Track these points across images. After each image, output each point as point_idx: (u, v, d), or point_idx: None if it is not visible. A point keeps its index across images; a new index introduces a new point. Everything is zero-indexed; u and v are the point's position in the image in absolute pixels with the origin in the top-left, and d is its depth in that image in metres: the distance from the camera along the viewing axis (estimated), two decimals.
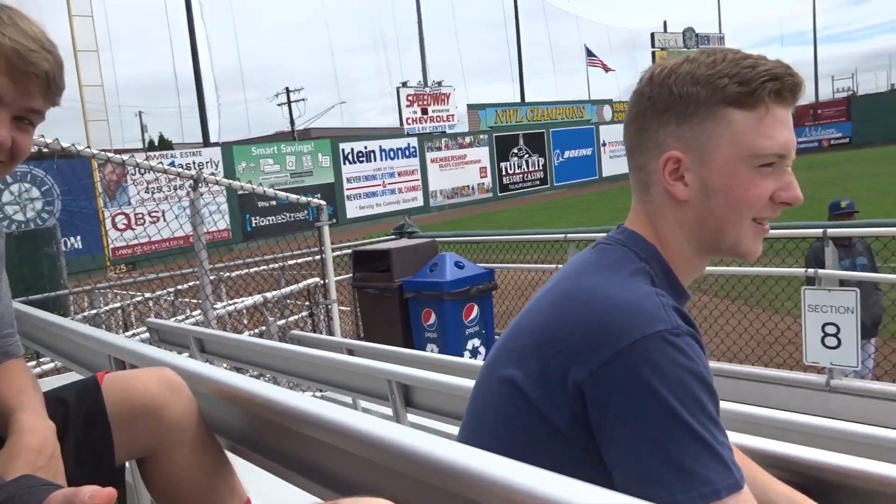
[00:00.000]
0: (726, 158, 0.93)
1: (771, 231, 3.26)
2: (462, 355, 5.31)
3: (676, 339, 0.85)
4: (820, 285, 3.76)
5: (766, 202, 0.95)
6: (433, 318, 5.57)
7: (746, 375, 4.18)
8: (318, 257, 5.32)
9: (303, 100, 45.41)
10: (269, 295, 5.15)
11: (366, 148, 30.86)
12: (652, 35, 43.65)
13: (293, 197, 5.10)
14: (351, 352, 3.71)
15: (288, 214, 24.78)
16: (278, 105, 46.11)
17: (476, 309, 5.56)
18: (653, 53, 40.80)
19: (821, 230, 3.87)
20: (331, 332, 5.35)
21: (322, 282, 5.30)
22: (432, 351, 5.59)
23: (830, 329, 3.71)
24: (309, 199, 5.18)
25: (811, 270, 3.83)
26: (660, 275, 0.97)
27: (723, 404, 2.11)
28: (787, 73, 0.93)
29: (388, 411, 2.40)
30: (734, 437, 1.63)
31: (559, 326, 0.91)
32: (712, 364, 4.35)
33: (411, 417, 2.44)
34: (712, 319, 4.96)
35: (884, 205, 16.13)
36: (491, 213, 30.00)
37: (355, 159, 30.31)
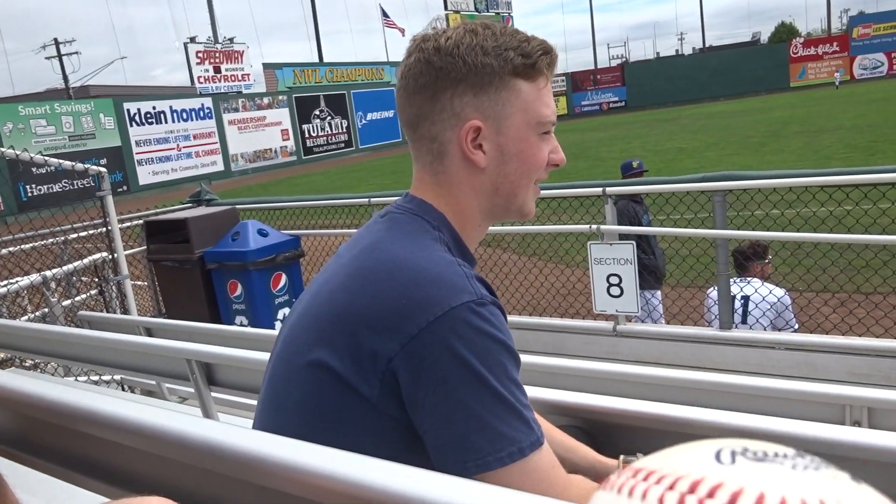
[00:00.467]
0: (519, 126, 1.00)
1: (559, 191, 3.46)
2: (273, 326, 5.16)
3: (482, 310, 0.88)
4: (603, 240, 4.11)
5: (545, 165, 1.04)
6: (239, 289, 5.34)
7: (546, 327, 4.49)
8: (104, 229, 4.85)
9: (76, 53, 40.88)
10: (49, 273, 4.62)
11: (154, 108, 28.57)
12: None
13: (66, 164, 4.56)
14: (149, 331, 3.45)
15: (70, 182, 22.36)
16: (46, 59, 41.13)
17: (284, 278, 5.42)
18: (446, 16, 41.62)
19: (600, 188, 4.19)
20: (126, 311, 4.94)
21: (111, 256, 4.85)
22: (241, 324, 5.38)
23: (614, 280, 4.08)
24: (87, 165, 4.67)
25: (595, 226, 4.16)
26: (452, 243, 1.00)
27: (524, 357, 2.25)
28: (552, 48, 1.02)
29: (193, 391, 2.27)
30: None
31: (365, 301, 0.90)
32: (516, 318, 4.64)
33: (216, 395, 2.32)
34: (512, 276, 5.25)
35: (656, 162, 18.00)
36: (296, 177, 29.28)
37: (143, 121, 27.98)
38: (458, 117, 0.99)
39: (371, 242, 0.97)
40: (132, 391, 4.04)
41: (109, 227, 4.72)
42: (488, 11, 46.20)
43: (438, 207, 1.02)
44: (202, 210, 5.88)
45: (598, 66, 61.62)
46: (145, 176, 27.90)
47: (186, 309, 5.48)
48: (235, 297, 5.35)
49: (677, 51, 68.43)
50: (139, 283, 6.55)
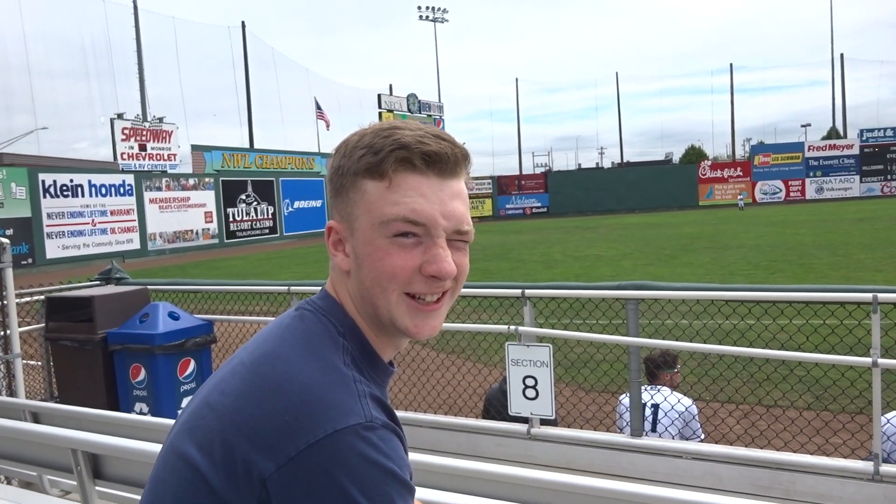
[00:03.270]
0: (365, 228, 0.93)
1: (479, 290, 3.49)
2: (175, 415, 4.88)
3: (369, 434, 0.82)
4: (520, 341, 4.14)
5: (410, 275, 0.92)
6: (143, 374, 5.06)
7: (461, 427, 4.43)
8: None
9: None
10: None
11: (72, 181, 27.72)
12: (379, 96, 45.96)
13: None
14: (36, 416, 3.20)
15: None
16: None
17: (193, 364, 5.18)
18: (380, 114, 42.86)
19: (519, 290, 4.27)
20: (12, 393, 4.58)
21: (2, 332, 4.54)
22: (141, 411, 5.06)
23: (530, 381, 4.10)
24: None
25: (513, 328, 4.21)
26: (358, 352, 0.94)
27: (435, 458, 2.20)
28: (418, 141, 0.91)
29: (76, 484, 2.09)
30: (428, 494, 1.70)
31: (249, 412, 0.85)
32: (431, 417, 4.56)
33: (103, 489, 2.15)
34: (430, 373, 5.20)
35: (575, 267, 18.57)
36: (217, 259, 28.63)
37: (59, 193, 27.04)
38: (329, 218, 1.00)
39: (272, 349, 0.92)
40: (9, 482, 3.69)
41: (5, 302, 4.44)
42: (420, 113, 47.90)
43: (348, 309, 0.98)
44: (110, 289, 5.63)
45: (523, 173, 64.20)
46: (54, 250, 26.68)
47: (82, 393, 5.13)
48: (137, 382, 5.06)
49: (597, 163, 72.22)
50: (33, 362, 6.14)
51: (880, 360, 3.32)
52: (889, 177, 52.59)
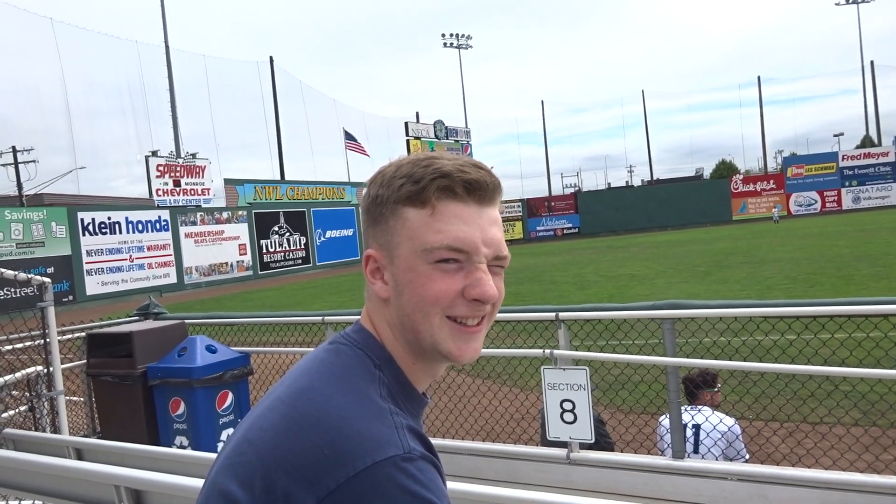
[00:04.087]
0: (407, 255, 0.95)
1: (513, 314, 3.48)
2: (216, 448, 4.92)
3: (408, 466, 0.83)
4: (556, 364, 4.11)
5: (453, 299, 0.94)
6: (182, 407, 5.12)
7: (498, 453, 4.38)
8: (42, 341, 4.66)
9: (33, 161, 40.81)
10: None
11: (109, 219, 28.38)
12: (406, 124, 46.40)
13: (8, 273, 4.42)
14: (80, 452, 3.26)
15: (11, 290, 21.68)
16: (2, 166, 40.93)
17: (231, 396, 5.22)
18: (407, 141, 43.25)
19: (553, 313, 4.24)
20: (56, 430, 4.66)
21: (46, 370, 4.64)
22: (181, 445, 5.11)
23: (567, 405, 4.05)
24: (30, 275, 4.55)
25: (548, 351, 4.17)
26: (394, 384, 0.95)
27: (474, 487, 2.18)
28: (459, 169, 0.94)
29: None
30: None
31: (288, 446, 0.86)
32: (468, 444, 4.53)
33: None
34: (466, 399, 5.17)
35: (609, 288, 18.40)
36: (251, 291, 28.96)
37: (97, 230, 27.69)
38: (366, 246, 1.01)
39: (309, 384, 0.94)
40: None
41: (48, 340, 4.54)
42: (447, 139, 48.20)
43: (384, 341, 0.99)
44: (149, 324, 5.72)
45: (553, 194, 64.09)
46: (93, 286, 27.26)
47: (123, 428, 5.21)
48: (177, 415, 5.12)
49: (627, 182, 71.81)
50: (75, 398, 6.25)
51: None
52: None
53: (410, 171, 0.95)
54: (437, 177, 0.93)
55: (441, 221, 0.93)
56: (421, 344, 0.96)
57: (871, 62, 60.13)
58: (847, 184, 52.58)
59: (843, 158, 53.50)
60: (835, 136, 64.20)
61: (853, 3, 61.70)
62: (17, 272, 4.56)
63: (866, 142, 59.67)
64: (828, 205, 52.50)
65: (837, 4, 62.58)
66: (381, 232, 0.97)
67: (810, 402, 4.46)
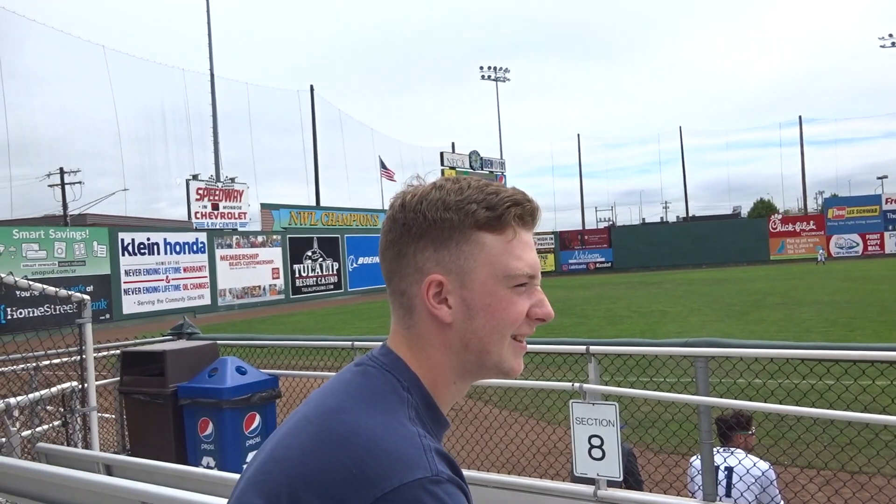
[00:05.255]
0: (484, 279, 0.96)
1: (542, 346, 3.45)
2: (241, 470, 4.93)
3: (436, 488, 0.83)
4: (585, 399, 4.05)
5: (523, 320, 0.99)
6: (210, 428, 5.16)
7: (524, 487, 4.31)
8: (79, 357, 4.75)
9: (79, 183, 41.94)
10: (13, 401, 4.46)
11: (149, 240, 29.00)
12: (441, 154, 46.77)
13: (49, 289, 4.54)
14: (109, 469, 3.29)
15: (51, 307, 22.19)
16: (49, 186, 42.15)
17: (258, 418, 5.25)
18: (442, 171, 43.57)
19: (584, 347, 4.19)
20: (87, 445, 4.73)
21: (80, 386, 4.72)
22: (208, 465, 5.14)
23: (596, 441, 3.98)
24: (70, 292, 4.66)
25: (577, 385, 4.12)
26: (422, 406, 0.96)
27: None
28: (526, 199, 1.00)
29: None
30: None
31: (316, 466, 0.86)
32: (494, 476, 4.47)
33: None
34: (493, 430, 5.12)
35: (640, 324, 18.15)
36: (282, 315, 29.21)
37: (136, 251, 28.29)
38: (421, 272, 0.98)
39: (337, 404, 0.94)
40: None
41: (83, 356, 4.63)
42: (482, 170, 48.44)
43: (411, 365, 0.99)
44: (182, 343, 5.80)
45: (586, 227, 63.77)
46: (130, 305, 27.77)
47: (152, 446, 5.26)
48: (205, 436, 5.15)
49: (662, 218, 71.03)
50: (107, 415, 6.34)
51: None
52: None
53: (481, 198, 0.97)
54: (512, 205, 0.97)
55: (519, 248, 0.98)
56: (485, 364, 1.00)
57: None
58: (891, 227, 51.41)
59: (886, 202, 52.38)
60: (878, 178, 62.91)
61: None
62: (58, 288, 4.68)
63: None
64: (870, 248, 51.34)
65: (883, 47, 61.86)
66: (446, 256, 0.97)
67: (849, 449, 4.32)
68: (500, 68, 63.78)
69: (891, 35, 61.37)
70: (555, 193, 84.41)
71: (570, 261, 56.84)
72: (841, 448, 4.33)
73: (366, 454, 0.85)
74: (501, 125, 63.94)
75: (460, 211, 0.96)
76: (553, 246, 57.03)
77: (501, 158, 54.82)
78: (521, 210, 0.98)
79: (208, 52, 39.38)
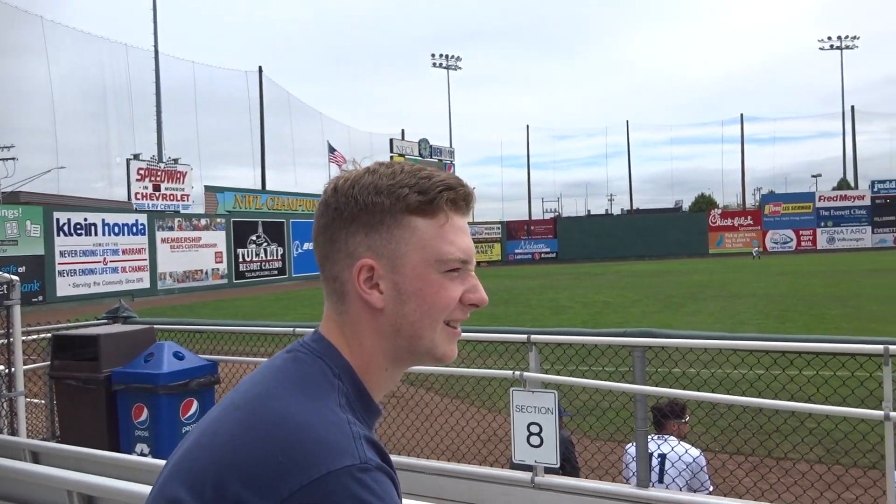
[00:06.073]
0: (416, 264, 0.95)
1: (484, 335, 3.47)
2: None
3: (364, 476, 0.82)
4: (525, 387, 4.10)
5: (456, 305, 0.98)
6: (145, 414, 5.03)
7: (464, 474, 4.35)
8: (5, 341, 4.57)
9: (13, 159, 40.19)
10: None
11: (86, 220, 28.03)
12: (391, 141, 46.53)
13: None
14: (36, 456, 3.18)
15: None
16: None
17: (196, 405, 5.14)
18: (391, 157, 43.35)
19: (525, 336, 4.24)
20: (14, 432, 4.56)
21: (7, 370, 4.54)
22: (142, 452, 5.01)
23: (534, 428, 4.03)
24: None
25: (518, 373, 4.16)
26: (353, 393, 0.95)
27: None
28: (459, 183, 0.99)
29: None
30: None
31: (242, 453, 0.85)
32: (434, 463, 4.49)
33: None
34: (433, 418, 5.14)
35: (583, 314, 18.47)
36: (225, 300, 28.69)
37: (72, 231, 27.33)
38: (352, 257, 0.97)
39: (266, 390, 0.93)
40: None
41: (11, 339, 4.46)
42: (431, 157, 48.40)
43: (343, 351, 0.98)
44: (117, 327, 5.63)
45: (533, 218, 64.43)
46: (65, 287, 26.84)
47: (84, 432, 5.10)
48: (139, 422, 5.02)
49: (607, 210, 72.27)
50: (36, 401, 6.12)
51: (892, 414, 3.26)
52: None
53: (412, 182, 0.96)
54: (444, 189, 0.96)
55: (451, 233, 0.97)
56: (416, 349, 0.98)
57: (852, 107, 61.59)
58: (823, 224, 53.52)
59: (819, 199, 54.50)
60: (813, 176, 65.37)
61: (836, 48, 63.23)
62: None
63: (843, 184, 60.81)
64: (803, 244, 53.35)
65: (822, 49, 64.11)
66: (377, 240, 0.96)
67: (775, 436, 4.49)
68: (452, 56, 63.75)
69: (829, 38, 63.73)
70: (503, 183, 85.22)
71: (517, 251, 57.38)
72: (768, 435, 4.50)
73: (293, 441, 0.84)
74: (452, 114, 63.86)
75: (392, 195, 0.95)
76: (499, 235, 57.47)
77: (451, 147, 54.86)
78: (454, 194, 0.97)
79: (153, 27, 38.21)
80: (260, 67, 46.42)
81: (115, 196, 34.37)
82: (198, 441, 0.92)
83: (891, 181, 54.10)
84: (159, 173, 32.33)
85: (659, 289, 25.65)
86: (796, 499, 3.99)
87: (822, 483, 4.10)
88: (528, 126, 68.76)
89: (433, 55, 63.35)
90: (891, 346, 3.30)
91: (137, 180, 31.06)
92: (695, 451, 4.27)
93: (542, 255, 56.91)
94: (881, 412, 3.27)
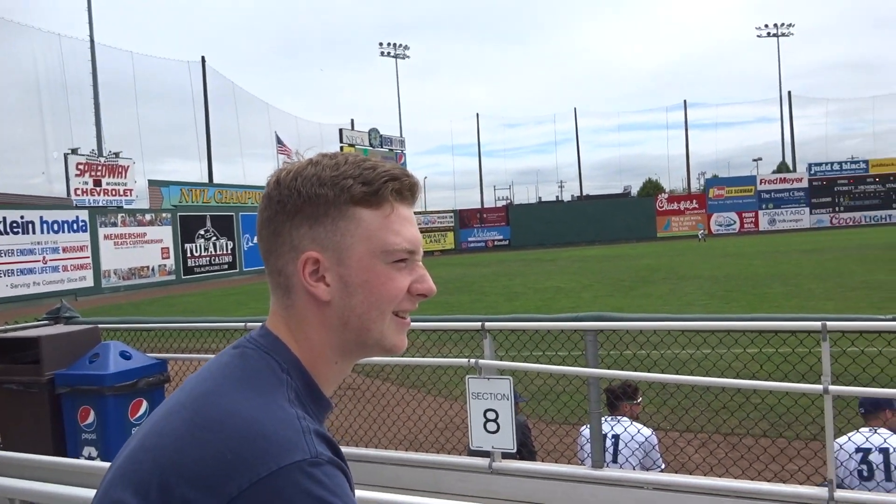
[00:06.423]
0: (361, 255, 0.95)
1: (440, 324, 3.48)
2: None
3: (315, 471, 0.81)
4: (481, 374, 4.13)
5: (404, 295, 0.97)
6: (92, 416, 4.89)
7: (422, 463, 4.36)
8: None
9: None
10: None
11: (22, 218, 26.99)
12: (340, 131, 46.06)
13: None
14: None
15: None
16: None
17: (145, 405, 5.02)
18: (341, 148, 42.94)
19: (479, 323, 4.26)
20: None
21: None
22: (89, 456, 4.88)
23: (491, 415, 4.07)
24: None
25: (473, 361, 4.19)
26: (302, 387, 0.94)
27: (398, 497, 2.16)
28: (404, 174, 0.98)
29: None
30: None
31: (188, 452, 0.83)
32: (392, 453, 4.49)
33: None
34: (391, 408, 5.14)
35: (535, 300, 18.67)
36: (174, 296, 28.07)
37: (8, 230, 26.28)
38: (297, 250, 0.96)
39: (212, 387, 0.91)
40: None
41: None
42: (382, 147, 48.11)
43: (291, 346, 0.97)
44: (59, 328, 5.46)
45: (485, 206, 64.71)
46: (2, 288, 25.83)
47: (28, 438, 4.93)
48: (86, 425, 4.89)
49: (557, 197, 73.08)
50: None
51: (831, 387, 3.39)
52: (837, 209, 54.45)
53: (356, 173, 0.95)
54: (389, 179, 0.95)
55: (397, 223, 0.96)
56: (365, 341, 0.97)
57: (789, 92, 63.40)
58: (764, 206, 55.18)
59: (760, 182, 56.16)
60: (753, 160, 67.34)
61: (773, 35, 65.01)
62: None
63: (782, 168, 62.72)
64: (746, 226, 54.92)
65: (759, 36, 65.82)
66: (322, 233, 0.94)
67: (723, 413, 4.62)
68: (400, 45, 63.40)
69: (766, 25, 65.48)
70: (454, 172, 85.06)
71: (469, 239, 57.60)
72: (716, 412, 4.63)
73: (241, 438, 0.82)
74: (401, 103, 63.50)
75: (336, 186, 0.94)
76: (452, 224, 57.59)
77: (401, 136, 54.64)
78: (399, 185, 0.97)
79: (88, 16, 36.88)
80: (203, 58, 45.30)
81: (54, 192, 33.15)
82: (142, 443, 0.89)
83: (827, 164, 56.10)
84: (100, 168, 31.33)
85: (609, 273, 26.09)
86: (743, 472, 4.13)
87: (767, 456, 4.24)
88: (478, 115, 68.95)
89: (381, 44, 62.95)
90: (828, 323, 3.42)
91: (77, 175, 30.03)
92: (647, 431, 4.37)
93: (495, 243, 57.27)
94: (820, 386, 3.40)
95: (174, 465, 0.82)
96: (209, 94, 45.77)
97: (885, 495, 3.53)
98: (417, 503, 2.12)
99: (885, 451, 3.76)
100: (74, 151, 30.88)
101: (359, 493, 1.40)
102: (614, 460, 4.29)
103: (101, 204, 30.92)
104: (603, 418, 4.26)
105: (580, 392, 4.57)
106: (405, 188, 0.98)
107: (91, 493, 1.82)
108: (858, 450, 3.81)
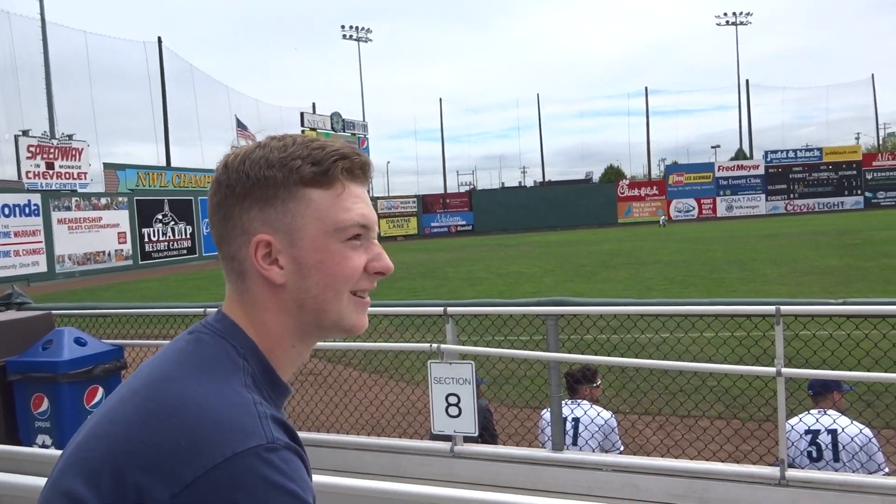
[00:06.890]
0: (314, 235, 0.94)
1: (402, 309, 3.47)
2: None
3: (271, 456, 0.80)
4: (443, 359, 4.14)
5: (361, 274, 0.96)
6: (46, 404, 4.78)
7: (384, 447, 4.37)
8: None
9: None
10: None
11: None
12: (302, 115, 45.51)
13: None
14: None
15: None
16: None
17: (101, 392, 4.92)
18: (302, 132, 42.32)
19: (441, 308, 4.27)
20: None
21: None
22: (43, 444, 4.78)
23: (453, 399, 4.09)
24: None
25: (435, 346, 4.20)
26: (259, 372, 0.92)
27: (360, 482, 2.16)
28: (354, 152, 0.97)
29: None
30: None
31: (142, 438, 0.81)
32: (354, 438, 4.48)
33: None
34: (353, 393, 5.13)
35: (498, 285, 18.78)
36: (131, 282, 27.51)
37: None
38: (248, 233, 0.94)
39: (166, 373, 0.89)
40: None
41: None
42: (344, 132, 47.70)
43: (247, 330, 0.95)
44: (10, 314, 5.31)
45: (448, 191, 64.71)
46: None
47: None
48: (39, 412, 4.78)
49: (520, 182, 73.49)
50: None
51: (784, 370, 3.48)
52: (792, 195, 55.81)
53: (305, 154, 0.93)
54: (338, 158, 0.94)
55: (348, 201, 0.95)
56: (323, 323, 0.96)
57: (747, 81, 64.56)
58: (721, 193, 56.25)
59: (718, 169, 57.20)
60: (712, 147, 68.58)
61: (732, 24, 66.01)
62: None
63: (740, 155, 63.96)
64: (704, 212, 55.94)
65: (718, 25, 66.79)
66: (273, 215, 0.93)
67: (680, 396, 4.72)
68: (363, 28, 62.76)
69: (725, 14, 66.46)
70: (417, 157, 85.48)
71: (433, 224, 57.59)
72: (673, 395, 4.73)
73: (196, 424, 0.81)
74: (364, 87, 63.08)
75: (284, 168, 0.93)
76: (415, 209, 57.48)
77: (364, 121, 54.22)
78: (349, 163, 0.95)
79: None
80: (159, 38, 44.21)
81: (5, 175, 32.15)
82: (94, 430, 0.87)
83: (783, 151, 57.38)
84: (52, 150, 30.44)
85: (571, 258, 26.36)
86: (699, 453, 4.23)
87: (722, 437, 4.35)
88: (441, 99, 68.75)
89: (343, 26, 62.21)
90: (782, 307, 3.51)
91: (28, 158, 29.13)
92: (606, 414, 4.44)
93: (459, 228, 57.37)
94: (773, 369, 3.49)
95: (127, 452, 0.81)
96: (166, 75, 44.76)
97: (833, 474, 3.65)
98: (378, 488, 2.13)
99: (832, 433, 3.89)
100: (25, 133, 29.94)
101: (320, 478, 1.40)
102: (574, 443, 4.35)
103: (53, 187, 30.09)
104: (563, 402, 4.31)
105: (541, 376, 4.63)
106: (356, 166, 0.97)
107: (42, 481, 1.79)
108: (808, 431, 3.93)
